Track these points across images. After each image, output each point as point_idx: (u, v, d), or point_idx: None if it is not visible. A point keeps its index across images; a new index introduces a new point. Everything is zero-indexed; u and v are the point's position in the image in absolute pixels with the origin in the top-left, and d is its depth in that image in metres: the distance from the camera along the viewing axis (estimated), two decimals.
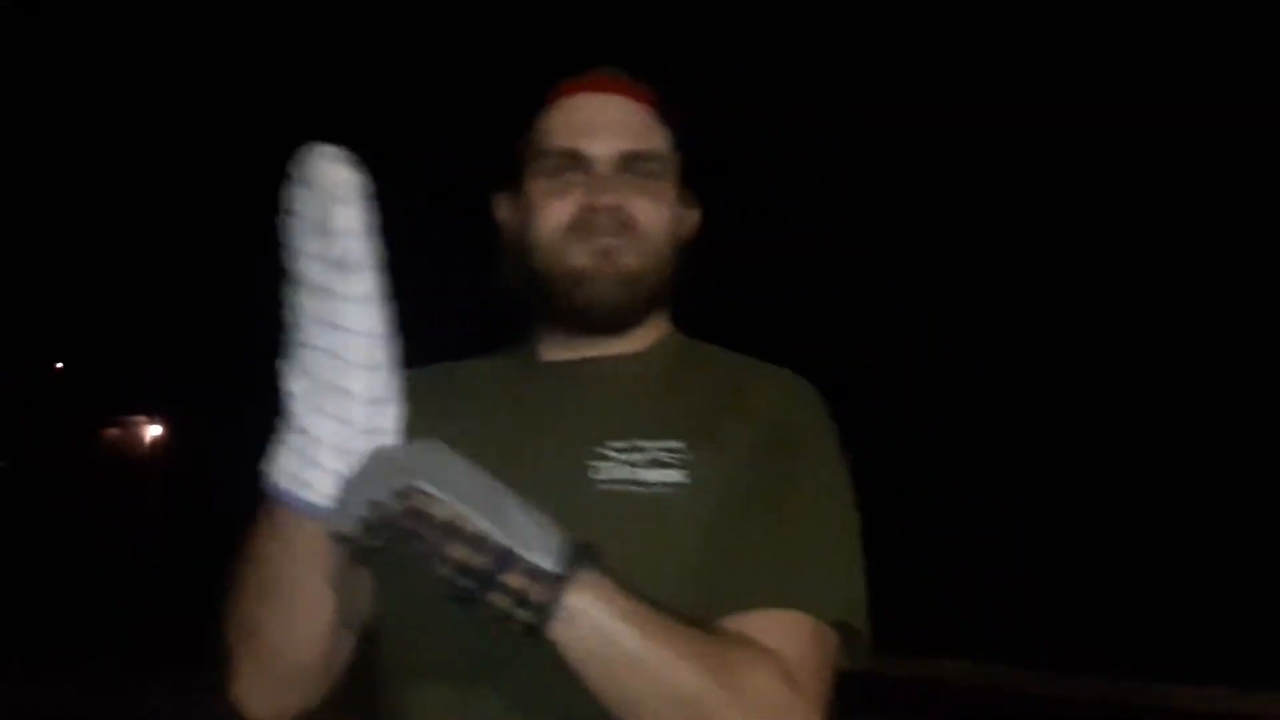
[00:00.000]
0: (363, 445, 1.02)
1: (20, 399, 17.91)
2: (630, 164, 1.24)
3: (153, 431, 19.77)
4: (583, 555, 1.03)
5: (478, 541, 0.98)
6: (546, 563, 1.00)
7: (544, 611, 1.00)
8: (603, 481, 1.16)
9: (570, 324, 1.25)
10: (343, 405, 0.99)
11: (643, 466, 1.16)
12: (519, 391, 1.27)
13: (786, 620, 1.10)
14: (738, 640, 1.08)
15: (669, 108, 1.28)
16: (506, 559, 0.98)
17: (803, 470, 1.17)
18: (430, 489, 0.99)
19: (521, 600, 0.99)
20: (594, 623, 1.01)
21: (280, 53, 13.82)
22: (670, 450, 1.16)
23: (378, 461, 1.02)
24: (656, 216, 1.24)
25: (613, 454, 1.17)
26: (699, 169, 1.31)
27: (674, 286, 1.29)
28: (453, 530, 0.98)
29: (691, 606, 1.10)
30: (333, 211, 0.96)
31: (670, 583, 1.11)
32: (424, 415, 1.18)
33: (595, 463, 1.17)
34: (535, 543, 1.00)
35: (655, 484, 1.15)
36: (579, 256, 1.21)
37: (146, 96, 14.17)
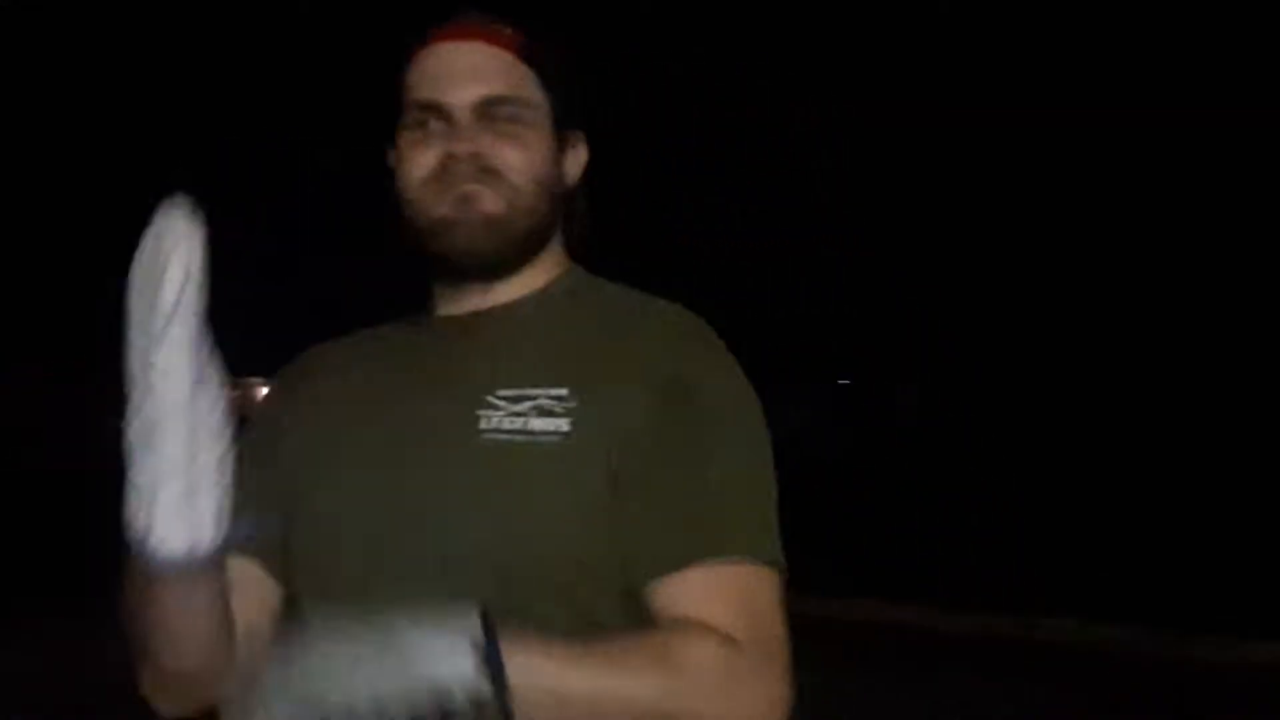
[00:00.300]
0: (191, 479, 1.02)
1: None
2: (489, 110, 1.24)
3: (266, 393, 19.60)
4: (494, 634, 1.03)
5: (411, 698, 1.00)
6: (474, 670, 1.01)
7: (500, 706, 1.02)
8: (487, 431, 1.17)
9: (444, 274, 1.28)
10: (168, 441, 1.01)
11: (529, 415, 1.16)
12: (414, 350, 1.29)
13: (714, 576, 1.11)
14: (667, 628, 1.10)
15: (536, 49, 1.27)
16: (443, 694, 1.00)
17: (702, 415, 1.17)
18: (342, 690, 1.00)
19: (479, 710, 1.01)
20: (539, 687, 1.03)
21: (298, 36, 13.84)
22: (556, 398, 1.17)
23: (277, 680, 1.03)
24: (520, 160, 1.24)
25: (501, 403, 1.18)
26: (581, 106, 1.30)
27: (552, 226, 1.28)
28: (383, 708, 1.00)
29: (581, 555, 1.13)
30: (157, 257, 1.00)
31: (554, 530, 1.13)
32: (325, 388, 1.27)
33: (483, 412, 1.17)
34: (453, 659, 1.01)
35: (539, 432, 1.15)
36: (440, 206, 1.23)
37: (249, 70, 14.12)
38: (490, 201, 1.22)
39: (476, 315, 1.27)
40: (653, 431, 1.15)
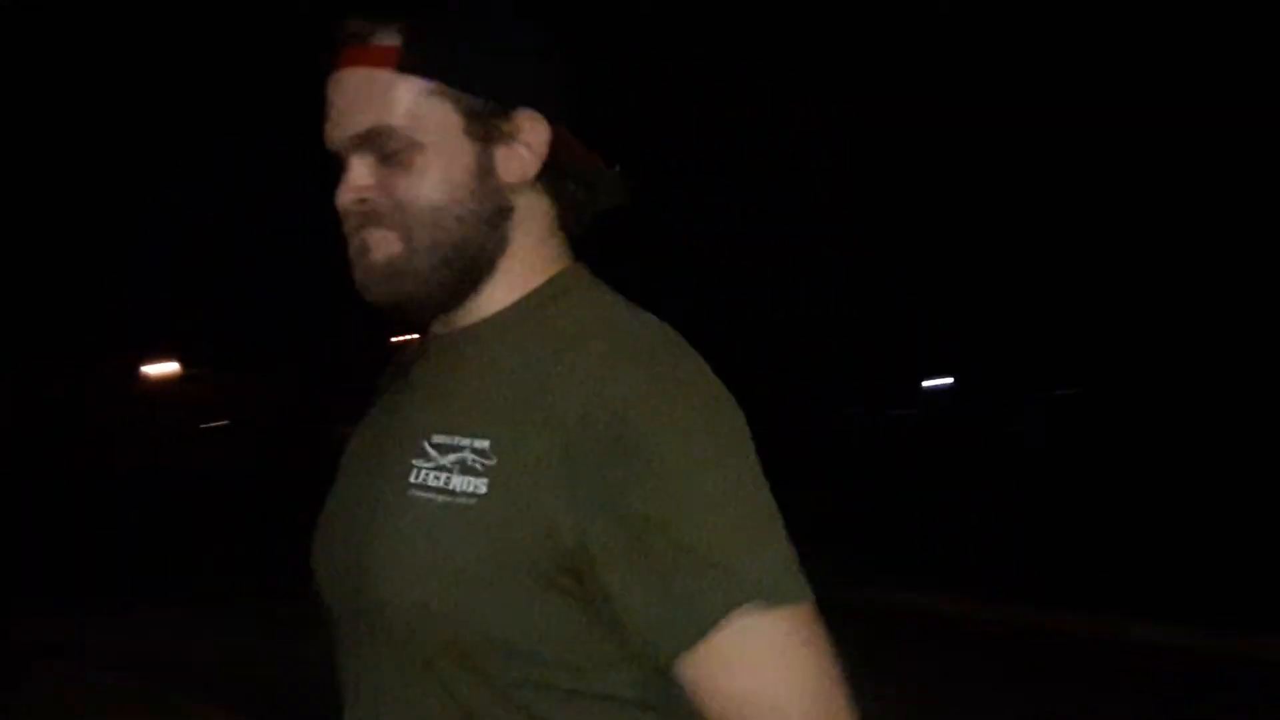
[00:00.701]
0: None
1: (363, 370, 18.45)
2: (370, 145, 1.14)
3: None
4: None
5: None
6: None
7: None
8: (414, 486, 1.10)
9: None
10: None
11: (453, 471, 1.09)
12: (403, 373, 1.24)
13: (726, 645, 1.01)
14: None
15: (422, 50, 1.14)
16: None
17: (649, 463, 1.04)
18: None
19: None
20: None
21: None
22: (479, 451, 1.09)
23: None
24: (410, 192, 1.14)
25: (433, 452, 1.11)
26: (521, 81, 1.16)
27: (489, 241, 1.16)
28: None
29: (492, 634, 1.06)
30: None
31: (457, 602, 1.07)
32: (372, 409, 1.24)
33: (416, 461, 1.11)
34: None
35: (459, 493, 1.08)
36: (350, 259, 1.17)
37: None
38: (381, 248, 1.15)
39: (449, 335, 1.19)
40: (601, 499, 1.04)
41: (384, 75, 1.14)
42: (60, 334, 15.92)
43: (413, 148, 1.13)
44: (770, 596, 1.02)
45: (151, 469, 16.05)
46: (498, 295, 1.17)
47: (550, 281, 1.18)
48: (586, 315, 1.14)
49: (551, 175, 1.17)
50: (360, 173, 1.14)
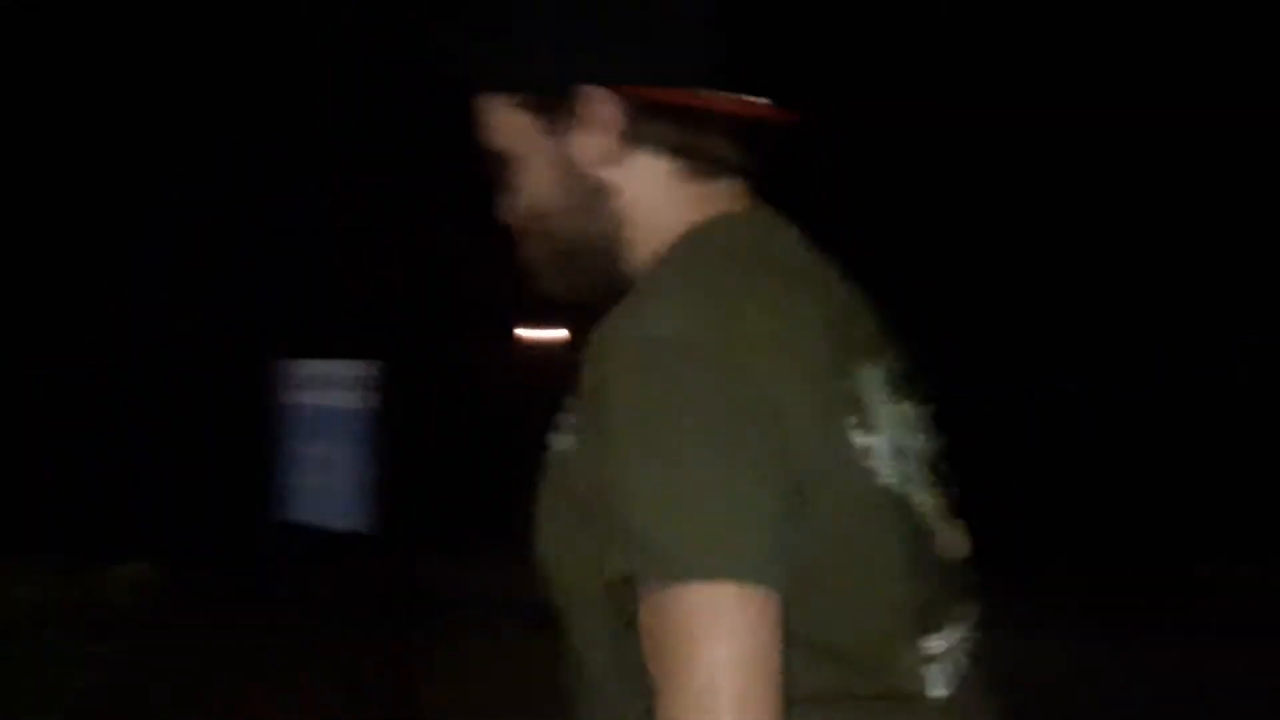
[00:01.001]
0: None
1: None
2: (499, 167, 1.21)
3: None
4: None
5: None
6: None
7: None
8: (550, 445, 1.15)
9: None
10: None
11: (563, 426, 1.13)
12: None
13: (643, 613, 0.98)
14: None
15: (485, 66, 1.16)
16: None
17: (605, 425, 1.02)
18: None
19: None
20: None
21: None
22: (576, 411, 1.10)
23: None
24: (522, 202, 1.19)
25: (569, 410, 1.13)
26: (565, 61, 1.13)
27: (596, 220, 1.16)
28: None
29: (563, 580, 1.11)
30: None
31: (543, 550, 1.13)
32: None
33: (559, 415, 1.15)
34: None
35: (557, 450, 1.12)
36: None
37: None
38: (531, 259, 1.20)
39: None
40: (584, 455, 1.06)
41: (479, 101, 1.19)
42: (439, 301, 15.58)
43: (515, 162, 1.18)
44: (653, 573, 0.96)
45: (532, 430, 16.03)
46: (642, 261, 1.17)
47: (674, 244, 1.15)
48: (651, 277, 1.13)
49: (648, 137, 1.15)
50: (506, 195, 1.20)
